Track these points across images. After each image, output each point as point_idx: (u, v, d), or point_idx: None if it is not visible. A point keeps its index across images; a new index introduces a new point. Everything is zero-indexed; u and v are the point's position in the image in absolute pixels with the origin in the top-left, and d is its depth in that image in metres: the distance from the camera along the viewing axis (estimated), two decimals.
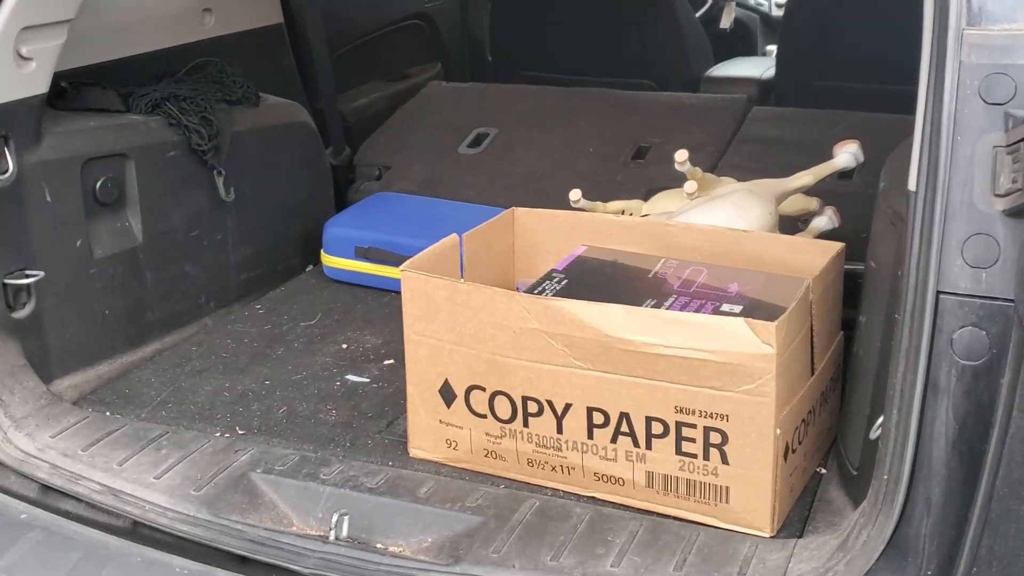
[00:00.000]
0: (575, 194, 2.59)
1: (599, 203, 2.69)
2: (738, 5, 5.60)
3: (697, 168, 2.54)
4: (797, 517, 1.94)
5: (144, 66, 2.83)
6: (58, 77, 2.46)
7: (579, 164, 3.45)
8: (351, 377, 2.50)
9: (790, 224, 2.64)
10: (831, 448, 2.13)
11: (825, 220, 2.56)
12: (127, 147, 2.56)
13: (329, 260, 3.03)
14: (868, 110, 3.34)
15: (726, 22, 5.32)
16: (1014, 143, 1.53)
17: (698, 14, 5.31)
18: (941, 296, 1.56)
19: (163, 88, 2.74)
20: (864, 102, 3.53)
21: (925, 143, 1.60)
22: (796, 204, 2.61)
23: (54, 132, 2.41)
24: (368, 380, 2.48)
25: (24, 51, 2.27)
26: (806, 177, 2.49)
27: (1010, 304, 1.52)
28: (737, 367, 1.80)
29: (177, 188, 2.69)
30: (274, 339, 2.70)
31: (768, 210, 2.35)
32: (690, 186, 2.43)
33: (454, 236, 2.23)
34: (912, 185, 1.61)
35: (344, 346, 2.66)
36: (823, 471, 2.07)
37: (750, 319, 1.79)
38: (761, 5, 5.86)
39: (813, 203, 2.60)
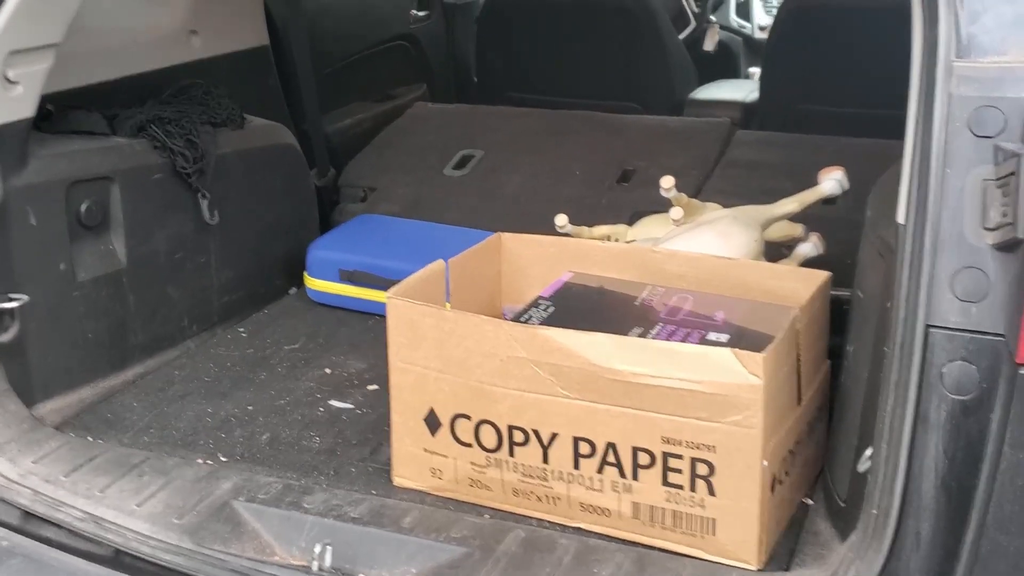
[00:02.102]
0: (561, 219, 2.59)
1: (584, 228, 2.69)
2: (721, 28, 5.62)
3: (683, 194, 2.54)
4: (784, 549, 1.93)
5: (130, 88, 2.82)
6: (44, 99, 2.44)
7: (564, 187, 3.44)
8: (335, 403, 2.48)
9: (775, 250, 2.64)
10: (818, 478, 2.12)
11: (810, 246, 2.57)
12: (112, 170, 2.54)
13: (313, 283, 3.02)
14: (853, 134, 3.35)
15: (709, 44, 5.35)
16: (1004, 176, 1.53)
17: (681, 36, 5.33)
18: (931, 330, 1.56)
19: (148, 110, 2.72)
20: (849, 126, 3.55)
21: (914, 175, 1.60)
22: (781, 230, 2.61)
23: (39, 155, 2.39)
24: (352, 406, 2.47)
25: (11, 75, 2.26)
26: (791, 204, 2.49)
27: (1000, 339, 1.52)
28: (724, 398, 1.79)
29: (161, 211, 2.67)
30: (257, 363, 2.68)
31: (753, 237, 2.35)
32: (676, 212, 2.42)
33: (440, 262, 2.22)
34: (901, 217, 1.61)
35: (328, 371, 2.64)
36: (810, 502, 2.07)
37: (737, 350, 1.79)
38: (744, 28, 5.89)
39: (798, 229, 2.60)
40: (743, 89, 4.57)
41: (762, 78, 4.33)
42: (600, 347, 1.88)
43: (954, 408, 1.55)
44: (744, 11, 6.01)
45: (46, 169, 2.38)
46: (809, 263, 2.54)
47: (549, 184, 3.47)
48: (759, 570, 1.86)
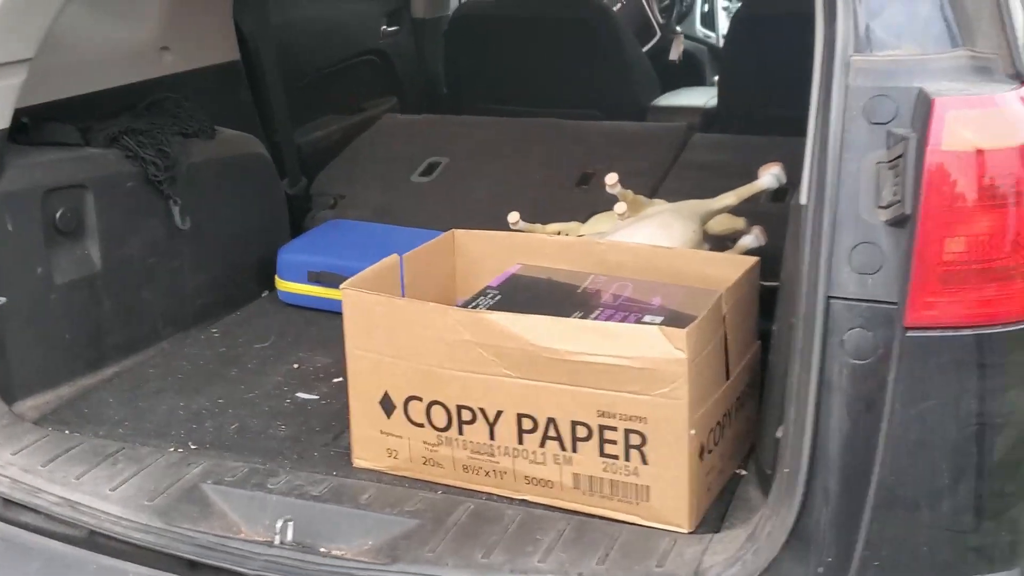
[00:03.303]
0: (513, 216, 2.73)
1: (538, 225, 2.82)
2: (686, 38, 5.79)
3: (628, 191, 2.68)
4: (716, 515, 2.06)
5: (104, 102, 2.95)
6: (20, 113, 2.58)
7: (527, 191, 3.57)
8: (301, 395, 2.61)
9: (721, 242, 2.78)
10: (751, 451, 2.25)
11: (752, 239, 2.70)
12: (86, 178, 2.67)
13: (283, 285, 3.15)
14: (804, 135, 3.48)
15: (675, 54, 5.52)
16: (894, 159, 1.67)
17: (648, 46, 5.50)
18: (831, 301, 1.70)
19: (121, 122, 2.86)
20: (801, 128, 3.68)
21: (814, 161, 1.74)
22: (725, 224, 2.75)
23: (15, 165, 2.52)
24: (317, 397, 2.60)
25: None
26: (730, 198, 2.63)
27: (893, 306, 1.66)
28: (653, 372, 1.93)
29: (134, 217, 2.81)
30: (229, 361, 2.81)
31: (692, 228, 2.49)
32: (620, 207, 2.57)
33: (395, 256, 2.36)
34: (804, 199, 1.75)
35: (295, 366, 2.77)
36: (743, 472, 2.20)
37: (663, 327, 1.93)
38: (709, 37, 6.06)
39: (740, 223, 2.74)
40: (704, 96, 4.72)
41: (719, 84, 4.48)
42: (539, 329, 2.02)
43: (854, 372, 1.69)
44: (709, 21, 6.18)
45: (21, 178, 2.51)
46: (751, 254, 2.67)
47: (512, 188, 3.60)
48: (690, 533, 1.99)
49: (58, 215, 2.60)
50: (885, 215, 1.67)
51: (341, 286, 2.21)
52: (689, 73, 5.51)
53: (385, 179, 3.75)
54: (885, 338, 1.66)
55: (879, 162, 1.69)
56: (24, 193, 2.52)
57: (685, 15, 5.99)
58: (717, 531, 2.00)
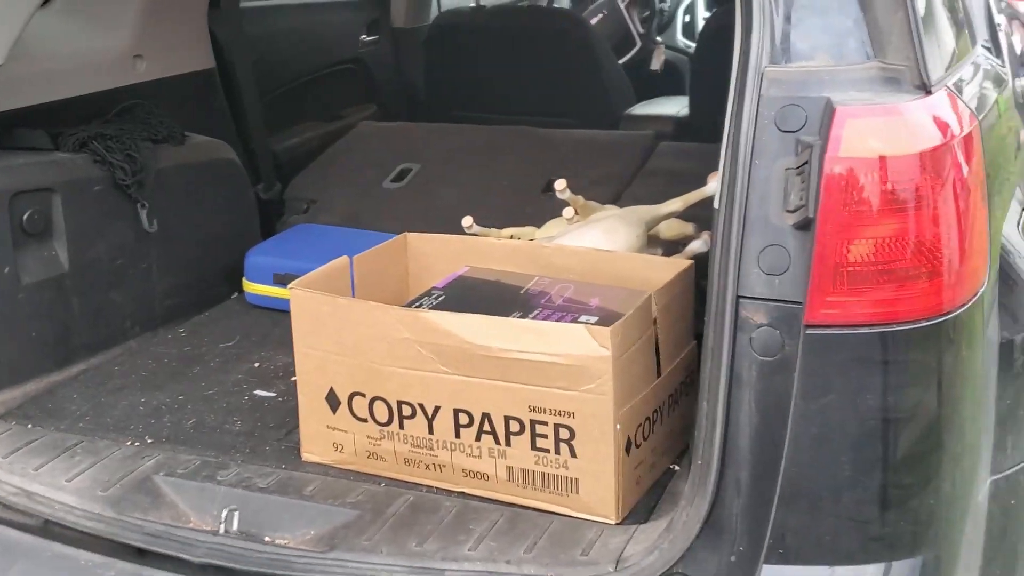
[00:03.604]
0: (467, 220, 2.81)
1: (493, 229, 2.91)
2: (668, 48, 5.88)
3: (579, 197, 2.77)
4: (645, 507, 2.14)
5: (76, 108, 3.04)
6: None
7: (494, 197, 3.66)
8: (259, 392, 2.69)
9: (672, 247, 2.86)
10: (687, 448, 2.33)
11: (700, 243, 2.78)
12: (53, 182, 2.76)
13: (250, 287, 3.24)
14: None
15: (656, 64, 5.60)
16: (801, 165, 1.75)
17: (628, 56, 5.59)
18: (741, 300, 1.77)
19: (91, 128, 2.95)
20: None
21: (727, 167, 1.82)
22: (676, 229, 2.83)
23: None
24: (275, 394, 2.68)
25: None
26: (676, 203, 2.71)
27: (798, 306, 1.74)
28: (580, 368, 2.01)
29: (102, 220, 2.89)
30: (192, 359, 2.90)
31: (636, 233, 2.57)
32: (568, 212, 2.65)
33: (345, 258, 2.44)
34: (717, 203, 1.83)
35: (256, 364, 2.85)
36: (677, 468, 2.28)
37: (589, 325, 2.01)
38: (690, 47, 6.14)
39: (689, 228, 2.82)
40: (677, 105, 4.81)
41: (690, 93, 4.56)
42: (473, 327, 2.10)
43: (763, 368, 1.77)
44: (690, 31, 6.27)
45: None
46: (700, 258, 2.75)
47: (480, 194, 3.68)
48: (618, 524, 2.07)
49: (25, 217, 2.69)
50: (792, 219, 1.75)
51: (289, 286, 2.29)
52: (670, 83, 5.58)
53: (357, 185, 3.84)
54: (791, 336, 1.74)
55: (788, 168, 1.77)
56: None
57: (666, 26, 6.08)
58: (645, 523, 2.08)
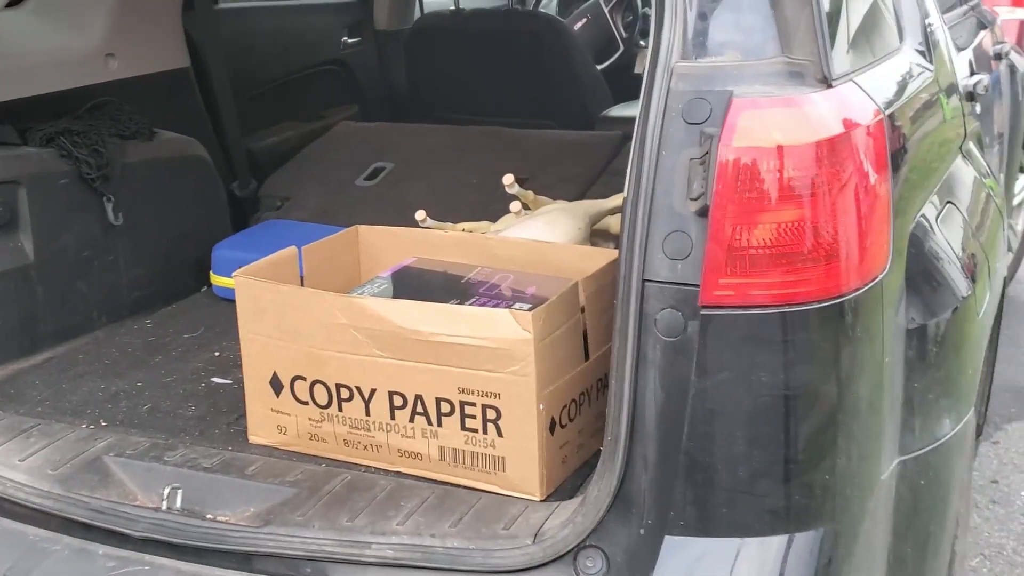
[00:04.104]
0: (420, 214, 2.90)
1: (448, 224, 2.99)
2: None
3: (529, 192, 2.86)
4: (571, 485, 2.21)
5: (46, 105, 3.14)
6: None
7: (462, 194, 3.75)
8: (216, 379, 2.79)
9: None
10: None
11: None
12: (18, 175, 2.86)
13: (217, 280, 3.33)
14: None
15: (639, 67, 5.69)
16: (703, 155, 1.83)
17: (612, 60, 5.69)
18: (646, 283, 1.85)
19: (60, 124, 3.05)
20: None
21: (635, 157, 1.90)
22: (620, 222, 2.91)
23: None
24: (231, 382, 2.77)
25: None
26: (619, 199, 2.79)
27: (698, 288, 1.82)
28: (504, 351, 2.09)
29: (68, 212, 2.99)
30: (156, 348, 2.99)
31: (578, 226, 2.66)
32: (515, 206, 2.74)
33: (293, 248, 2.53)
34: (626, 192, 1.91)
35: (217, 354, 2.94)
36: None
37: (513, 310, 2.09)
38: None
39: None
40: None
41: None
42: (405, 312, 2.19)
43: (666, 348, 1.84)
44: None
45: None
46: None
47: (449, 192, 3.78)
48: (542, 501, 2.15)
49: None
50: (694, 206, 1.83)
51: (234, 273, 2.38)
52: None
53: (330, 183, 3.94)
54: (692, 317, 1.82)
55: (692, 158, 1.85)
56: None
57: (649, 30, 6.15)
58: (568, 500, 2.16)
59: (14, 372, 2.83)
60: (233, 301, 3.26)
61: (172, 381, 2.78)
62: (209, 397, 2.69)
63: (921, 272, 2.19)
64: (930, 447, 2.13)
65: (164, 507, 2.19)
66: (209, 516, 2.18)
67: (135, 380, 2.78)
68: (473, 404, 2.15)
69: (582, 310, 2.25)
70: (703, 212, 1.81)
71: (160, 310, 3.26)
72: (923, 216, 2.26)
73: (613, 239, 2.93)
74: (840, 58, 1.97)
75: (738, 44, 1.92)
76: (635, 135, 1.92)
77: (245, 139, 4.05)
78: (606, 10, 5.88)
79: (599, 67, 5.36)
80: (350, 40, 4.96)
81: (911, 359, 2.08)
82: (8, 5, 3.12)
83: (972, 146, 2.93)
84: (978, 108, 3.15)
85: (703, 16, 1.94)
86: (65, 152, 2.97)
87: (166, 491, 2.20)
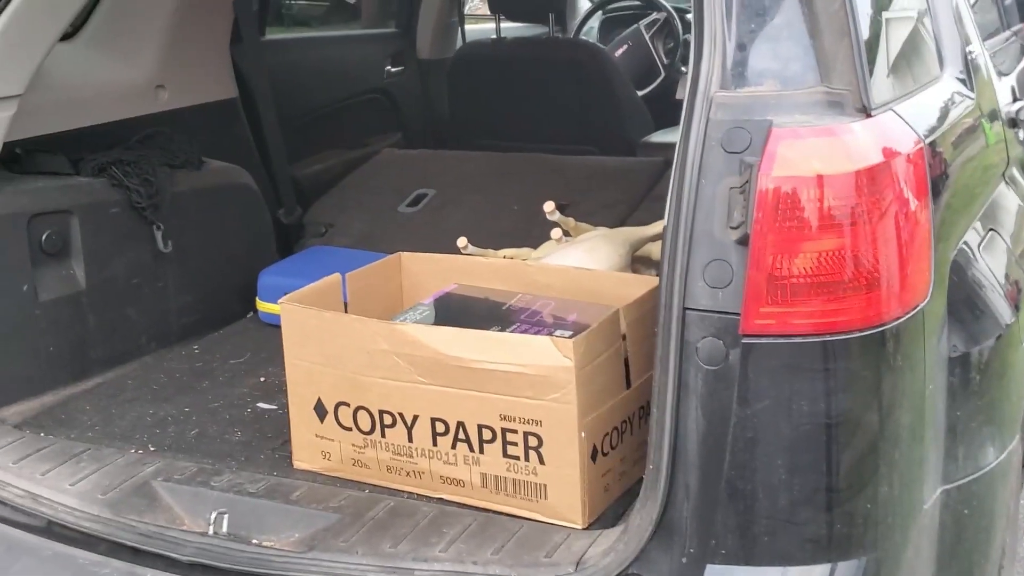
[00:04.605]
0: (462, 241, 2.93)
1: (489, 250, 3.02)
2: None
3: (570, 219, 2.88)
4: (613, 513, 2.22)
5: (99, 135, 3.21)
6: (13, 144, 2.84)
7: (503, 221, 3.78)
8: (262, 405, 2.82)
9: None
10: None
11: None
12: (71, 204, 2.92)
13: (263, 306, 3.38)
14: None
15: (681, 93, 5.68)
16: (743, 184, 1.85)
17: (653, 85, 5.70)
18: (687, 312, 1.86)
19: (112, 154, 3.11)
20: None
21: (675, 186, 1.91)
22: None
23: (4, 191, 2.78)
24: (276, 407, 2.80)
25: None
26: (660, 226, 2.79)
27: (739, 317, 1.82)
28: (545, 378, 2.11)
29: (119, 241, 3.05)
30: (203, 374, 3.04)
31: (619, 253, 2.67)
32: (556, 233, 2.76)
33: (337, 275, 2.57)
34: (666, 221, 1.93)
35: (262, 379, 2.98)
36: None
37: (554, 337, 2.11)
38: None
39: None
40: None
41: None
42: (446, 339, 2.21)
43: (707, 376, 1.85)
44: None
45: (9, 203, 2.77)
46: None
47: (490, 218, 3.81)
48: (584, 528, 2.16)
49: (44, 237, 2.85)
50: (734, 235, 1.84)
51: (279, 300, 2.42)
52: None
53: (373, 209, 3.98)
54: (733, 346, 1.83)
55: (732, 187, 1.86)
56: (11, 217, 2.77)
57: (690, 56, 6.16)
58: (611, 528, 2.16)
59: (65, 397, 2.88)
60: (279, 327, 3.33)
61: (219, 406, 2.82)
62: (255, 422, 2.73)
63: (963, 300, 2.18)
64: (974, 476, 2.12)
65: (211, 532, 2.23)
66: (255, 541, 2.21)
67: (182, 405, 2.83)
68: (515, 431, 2.17)
69: (623, 337, 2.26)
70: (743, 241, 1.82)
71: (207, 336, 3.31)
72: (965, 243, 2.26)
73: (655, 266, 2.94)
74: (880, 87, 1.98)
75: (777, 73, 1.93)
76: (675, 164, 1.94)
77: (290, 167, 4.10)
78: (647, 37, 5.90)
79: (640, 93, 5.38)
80: (393, 69, 5.02)
81: (954, 387, 2.08)
82: (62, 39, 3.18)
83: (1016, 172, 2.92)
84: (1021, 135, 3.13)
85: (742, 46, 1.95)
86: (116, 182, 3.03)
87: (213, 516, 2.24)
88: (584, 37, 6.12)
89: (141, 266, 3.12)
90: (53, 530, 2.34)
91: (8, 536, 2.35)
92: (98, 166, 3.05)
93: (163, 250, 3.15)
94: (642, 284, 2.46)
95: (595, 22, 6.35)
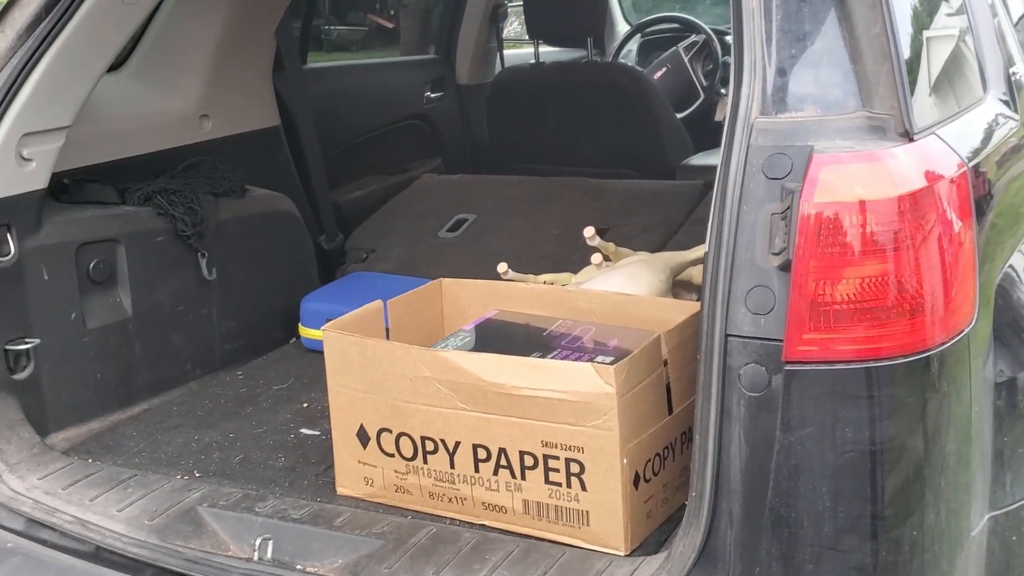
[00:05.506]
0: (502, 267, 2.94)
1: (530, 275, 3.03)
2: None
3: (610, 244, 2.88)
4: (656, 540, 2.22)
5: (144, 165, 3.26)
6: (62, 174, 2.89)
7: (543, 245, 3.79)
8: (305, 431, 2.84)
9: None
10: None
11: None
12: (118, 233, 2.97)
13: (305, 332, 3.40)
14: None
15: (720, 115, 5.70)
16: (785, 210, 1.84)
17: (692, 108, 5.70)
18: (729, 338, 1.86)
19: (157, 183, 3.16)
20: None
21: (716, 212, 1.91)
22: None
23: (53, 221, 2.83)
24: (319, 433, 2.82)
25: (25, 153, 2.70)
26: (701, 250, 2.80)
27: (782, 343, 1.82)
28: (587, 405, 2.11)
29: (164, 269, 3.09)
30: (246, 400, 3.06)
31: (659, 278, 2.67)
32: (596, 258, 2.77)
33: (379, 302, 2.58)
34: (707, 247, 1.93)
35: (305, 405, 3.00)
36: None
37: (596, 364, 2.11)
38: None
39: None
40: None
41: None
42: (488, 366, 2.22)
43: (750, 403, 1.85)
44: None
45: (58, 232, 2.81)
46: None
47: (530, 243, 3.82)
48: (626, 555, 2.15)
49: (91, 266, 2.89)
50: (776, 261, 1.84)
51: (322, 327, 2.43)
52: None
53: (414, 235, 4.01)
54: (776, 372, 1.82)
55: (773, 213, 1.86)
56: (59, 247, 2.81)
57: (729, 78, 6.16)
58: (653, 555, 2.16)
59: (112, 424, 2.92)
60: (321, 352, 3.35)
61: (262, 432, 2.84)
62: (298, 448, 2.75)
63: (1010, 323, 2.16)
64: (1022, 502, 2.09)
65: (256, 557, 2.25)
66: (299, 567, 2.23)
67: (227, 431, 2.85)
68: (556, 457, 2.17)
69: (665, 363, 2.26)
70: (785, 267, 1.82)
71: (251, 362, 3.34)
72: (1011, 266, 2.24)
73: (696, 290, 2.94)
74: (922, 111, 1.97)
75: (817, 99, 1.93)
76: (715, 190, 1.94)
77: (332, 193, 4.14)
78: (686, 59, 5.89)
79: (680, 116, 5.38)
80: (433, 95, 5.05)
81: (1000, 412, 2.06)
82: (108, 70, 3.24)
83: None
84: None
85: (782, 72, 1.96)
86: (162, 210, 3.08)
87: (257, 542, 2.26)
88: (623, 60, 6.13)
89: (186, 293, 3.16)
90: (102, 556, 2.37)
91: (58, 562, 2.38)
92: (144, 195, 3.10)
93: (207, 277, 3.18)
94: (683, 309, 2.46)
95: (633, 45, 6.35)
